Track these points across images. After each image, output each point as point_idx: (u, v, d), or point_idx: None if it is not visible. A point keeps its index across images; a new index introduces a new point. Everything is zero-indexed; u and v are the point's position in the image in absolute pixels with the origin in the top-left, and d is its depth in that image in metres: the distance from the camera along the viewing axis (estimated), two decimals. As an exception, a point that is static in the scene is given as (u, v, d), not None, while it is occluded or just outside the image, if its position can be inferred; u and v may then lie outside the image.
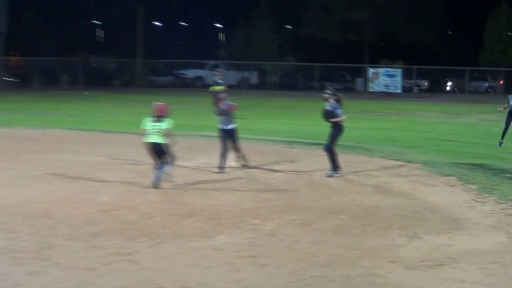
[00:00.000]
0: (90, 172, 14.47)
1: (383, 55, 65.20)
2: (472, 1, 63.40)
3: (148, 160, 15.91)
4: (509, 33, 61.87)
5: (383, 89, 57.69)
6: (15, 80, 63.99)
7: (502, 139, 20.99)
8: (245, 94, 43.61)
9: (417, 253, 8.74)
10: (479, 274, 7.96)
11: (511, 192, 13.17)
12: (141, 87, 59.50)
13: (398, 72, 58.86)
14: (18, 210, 10.63)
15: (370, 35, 66.91)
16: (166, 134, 13.02)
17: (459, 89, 60.76)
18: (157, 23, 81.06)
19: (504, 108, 21.90)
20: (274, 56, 63.99)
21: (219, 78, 29.69)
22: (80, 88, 56.11)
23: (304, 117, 32.17)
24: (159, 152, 13.01)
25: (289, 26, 74.97)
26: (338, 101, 14.87)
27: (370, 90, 58.07)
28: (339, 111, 14.66)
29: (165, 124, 13.03)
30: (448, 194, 13.03)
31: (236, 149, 15.29)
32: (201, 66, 62.73)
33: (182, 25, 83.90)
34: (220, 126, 15.41)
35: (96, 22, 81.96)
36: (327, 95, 14.94)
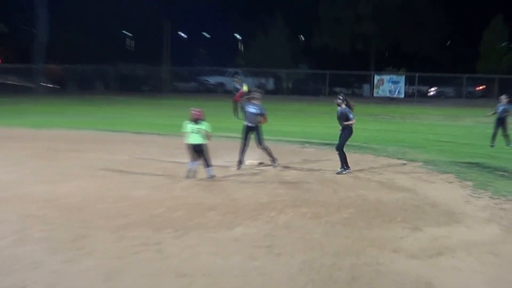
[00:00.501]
0: (120, 170, 14.51)
1: (388, 63, 65.00)
2: (470, 14, 63.05)
3: (173, 159, 16.02)
4: (503, 43, 61.57)
5: (388, 94, 57.60)
6: (54, 86, 64.33)
7: (492, 141, 20.99)
8: (262, 99, 43.49)
9: (418, 243, 8.71)
10: (474, 263, 7.93)
11: (504, 188, 13.11)
12: (168, 93, 59.58)
13: (401, 79, 58.74)
14: (56, 204, 10.68)
15: (377, 45, 66.74)
16: (205, 135, 13.42)
17: (457, 95, 60.69)
18: (182, 34, 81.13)
19: (492, 114, 21.91)
20: (288, 64, 63.93)
21: (238, 84, 29.68)
22: (112, 93, 56.25)
23: (316, 119, 32.16)
24: (199, 151, 13.35)
25: (302, 37, 74.92)
26: (349, 106, 14.96)
27: (375, 95, 57.95)
28: (351, 115, 14.79)
29: (203, 126, 13.40)
30: (446, 190, 12.97)
31: (261, 146, 15.17)
32: (222, 73, 62.72)
33: (205, 35, 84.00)
34: (245, 123, 15.39)
35: (126, 33, 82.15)
36: (339, 101, 15.05)
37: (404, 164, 16.57)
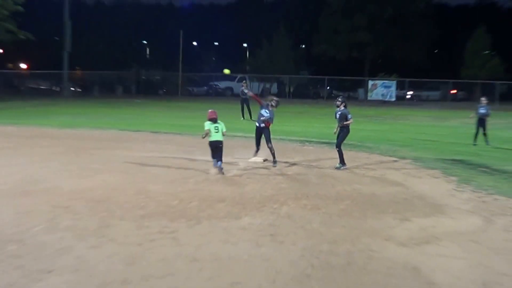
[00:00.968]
0: (139, 165, 14.55)
1: (380, 69, 65.02)
2: (455, 26, 63.00)
3: (187, 156, 16.05)
4: (485, 52, 61.52)
5: (380, 98, 57.60)
6: (78, 89, 64.52)
7: (475, 141, 21.02)
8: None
9: (407, 233, 8.73)
10: (458, 250, 7.95)
11: (486, 183, 13.14)
12: (181, 96, 59.59)
13: (393, 83, 58.80)
14: (82, 196, 10.72)
15: (371, 53, 66.70)
16: (223, 133, 13.70)
17: (442, 98, 60.69)
18: (194, 43, 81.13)
19: (474, 116, 21.89)
20: (290, 70, 64.06)
21: (245, 88, 29.68)
22: (131, 97, 56.31)
23: (315, 120, 32.15)
24: (221, 148, 13.53)
25: (303, 46, 74.87)
26: (346, 107, 15.05)
27: (369, 98, 57.99)
28: (349, 116, 14.88)
29: (221, 126, 13.65)
30: (433, 184, 12.97)
31: (268, 145, 15.18)
32: (231, 78, 62.81)
33: (215, 44, 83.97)
34: (256, 124, 15.43)
35: (145, 42, 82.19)
36: (339, 103, 15.17)
37: (395, 161, 16.58)
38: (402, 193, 11.87)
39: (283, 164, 15.17)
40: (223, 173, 13.32)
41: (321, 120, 31.34)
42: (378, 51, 66.40)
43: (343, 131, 15.06)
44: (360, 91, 63.59)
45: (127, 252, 7.51)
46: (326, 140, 19.89)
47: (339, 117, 15.03)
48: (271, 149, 14.95)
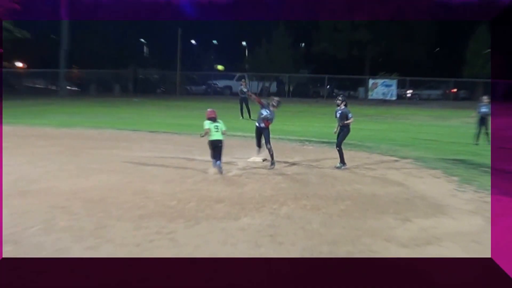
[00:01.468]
0: (137, 165, 14.55)
1: (381, 68, 64.98)
2: (457, 24, 62.84)
3: (185, 155, 16.05)
4: (487, 51, 61.48)
5: (381, 97, 57.55)
6: (76, 88, 64.47)
7: (477, 140, 21.04)
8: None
9: (408, 233, 8.75)
10: (459, 251, 7.97)
11: (487, 183, 13.13)
12: (180, 95, 59.55)
13: (393, 82, 58.75)
14: (79, 196, 10.72)
15: (371, 52, 66.64)
16: (223, 132, 13.72)
17: (444, 97, 60.69)
18: (193, 41, 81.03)
19: (475, 116, 21.89)
20: (290, 69, 63.91)
21: (244, 87, 29.67)
22: (129, 96, 56.26)
23: (315, 120, 32.11)
24: (221, 147, 13.57)
25: (303, 44, 74.80)
26: (346, 106, 15.07)
27: (370, 97, 57.91)
28: (350, 115, 14.90)
29: (221, 124, 13.68)
30: (434, 185, 12.99)
31: (266, 146, 15.16)
32: (229, 77, 62.74)
33: (214, 43, 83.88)
34: (256, 124, 15.44)
35: (143, 40, 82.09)
36: (339, 102, 15.18)
37: (396, 160, 16.58)
38: (403, 193, 11.88)
39: (283, 164, 15.17)
40: (222, 173, 13.32)
41: (321, 119, 31.31)
42: (379, 50, 66.32)
43: (344, 131, 15.08)
44: (361, 90, 63.49)
45: (125, 253, 7.51)
46: (326, 140, 19.89)
47: (340, 116, 15.05)
48: (269, 150, 14.94)
